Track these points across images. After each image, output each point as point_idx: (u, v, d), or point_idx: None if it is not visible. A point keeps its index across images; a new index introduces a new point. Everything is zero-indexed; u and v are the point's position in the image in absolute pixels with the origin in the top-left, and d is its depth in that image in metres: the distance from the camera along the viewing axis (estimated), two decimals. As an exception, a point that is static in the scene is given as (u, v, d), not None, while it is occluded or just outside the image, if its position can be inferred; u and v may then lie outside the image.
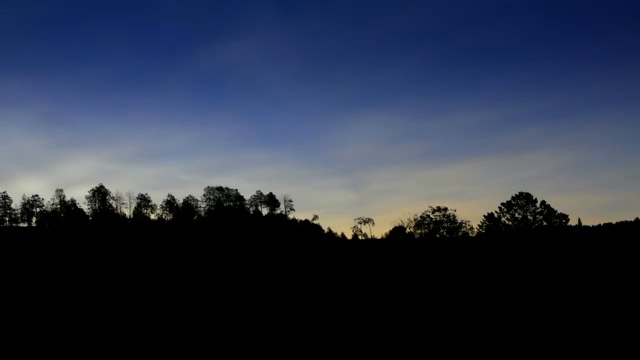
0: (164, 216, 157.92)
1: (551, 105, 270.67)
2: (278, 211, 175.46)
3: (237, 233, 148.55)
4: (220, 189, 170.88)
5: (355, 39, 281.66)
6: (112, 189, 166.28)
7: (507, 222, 71.92)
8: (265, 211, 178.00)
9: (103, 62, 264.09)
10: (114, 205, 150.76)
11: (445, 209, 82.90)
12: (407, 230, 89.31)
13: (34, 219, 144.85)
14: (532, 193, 71.76)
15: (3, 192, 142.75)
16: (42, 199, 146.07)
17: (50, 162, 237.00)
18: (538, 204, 71.22)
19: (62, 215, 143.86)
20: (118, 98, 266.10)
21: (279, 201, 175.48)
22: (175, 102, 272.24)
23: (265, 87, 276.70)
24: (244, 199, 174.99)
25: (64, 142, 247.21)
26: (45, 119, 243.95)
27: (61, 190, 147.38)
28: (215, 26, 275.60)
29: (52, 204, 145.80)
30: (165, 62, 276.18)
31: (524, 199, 71.37)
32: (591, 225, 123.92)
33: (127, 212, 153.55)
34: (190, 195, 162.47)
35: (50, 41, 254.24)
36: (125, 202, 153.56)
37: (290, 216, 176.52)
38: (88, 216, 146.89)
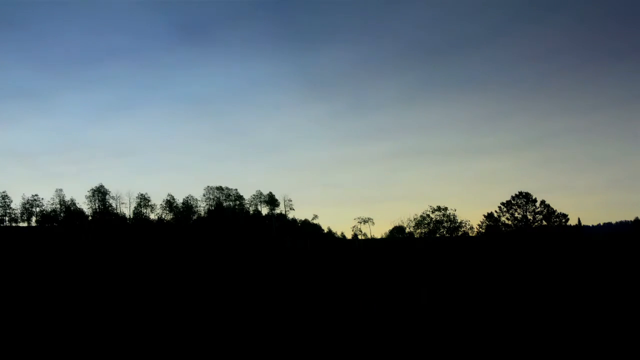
0: (163, 216, 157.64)
1: (551, 104, 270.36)
2: (278, 211, 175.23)
3: (236, 233, 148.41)
4: (220, 188, 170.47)
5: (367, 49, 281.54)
6: (112, 188, 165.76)
7: (506, 221, 71.82)
8: (265, 210, 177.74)
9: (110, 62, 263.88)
10: (113, 204, 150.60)
11: (445, 209, 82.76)
12: (407, 229, 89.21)
13: (33, 219, 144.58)
14: (531, 192, 71.77)
15: (3, 192, 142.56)
16: (42, 199, 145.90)
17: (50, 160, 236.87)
18: (538, 204, 71.16)
19: (61, 215, 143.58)
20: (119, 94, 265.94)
21: (279, 201, 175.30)
22: (175, 99, 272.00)
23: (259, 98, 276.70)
24: (243, 199, 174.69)
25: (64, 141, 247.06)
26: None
27: (61, 190, 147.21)
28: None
29: (52, 204, 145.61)
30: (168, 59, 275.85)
31: (523, 199, 71.27)
32: (591, 225, 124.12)
33: (127, 211, 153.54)
34: (190, 195, 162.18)
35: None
36: (125, 201, 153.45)
37: (290, 215, 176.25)
38: (88, 216, 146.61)
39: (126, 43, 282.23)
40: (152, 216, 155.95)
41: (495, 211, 73.58)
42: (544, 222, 70.31)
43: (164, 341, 13.28)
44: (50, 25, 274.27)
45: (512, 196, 72.43)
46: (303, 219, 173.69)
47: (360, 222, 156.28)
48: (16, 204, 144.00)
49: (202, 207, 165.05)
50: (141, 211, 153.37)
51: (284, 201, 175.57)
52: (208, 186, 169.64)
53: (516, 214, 71.66)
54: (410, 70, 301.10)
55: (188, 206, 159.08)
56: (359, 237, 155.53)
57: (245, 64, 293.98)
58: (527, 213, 71.53)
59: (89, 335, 14.21)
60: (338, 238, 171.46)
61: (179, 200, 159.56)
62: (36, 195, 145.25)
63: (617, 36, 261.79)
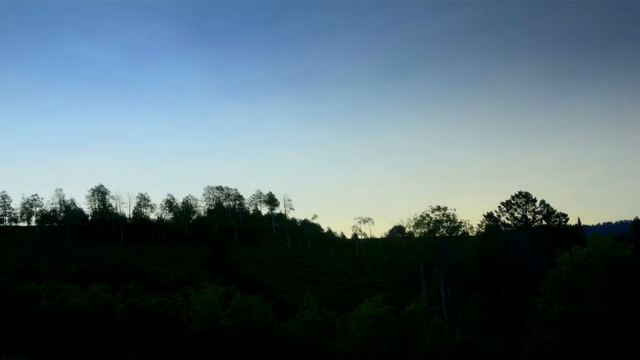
0: (163, 215, 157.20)
1: (550, 103, 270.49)
2: (278, 210, 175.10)
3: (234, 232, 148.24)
4: (220, 188, 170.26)
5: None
6: (112, 188, 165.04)
7: (506, 221, 71.46)
8: (265, 210, 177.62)
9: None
10: (113, 204, 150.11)
11: (445, 208, 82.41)
12: (407, 229, 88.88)
13: (33, 219, 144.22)
14: (531, 192, 71.41)
15: (3, 192, 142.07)
16: (42, 199, 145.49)
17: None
18: (537, 203, 70.89)
19: (61, 214, 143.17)
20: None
21: (279, 200, 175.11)
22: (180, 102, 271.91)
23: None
24: (243, 199, 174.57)
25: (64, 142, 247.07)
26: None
27: (60, 190, 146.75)
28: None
29: (52, 204, 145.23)
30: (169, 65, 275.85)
31: (523, 198, 70.96)
32: (591, 225, 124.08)
33: (127, 211, 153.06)
34: (189, 195, 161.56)
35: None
36: (124, 201, 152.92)
37: (290, 215, 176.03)
38: (87, 216, 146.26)
39: (129, 49, 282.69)
40: (152, 216, 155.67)
41: (495, 211, 73.39)
42: (544, 222, 70.04)
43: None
44: (52, 29, 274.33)
45: (512, 196, 72.17)
46: (303, 218, 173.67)
47: (360, 222, 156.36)
48: (16, 204, 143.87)
49: (202, 206, 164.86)
50: (141, 211, 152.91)
51: (284, 201, 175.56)
52: (208, 186, 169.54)
53: (516, 214, 71.45)
54: (414, 73, 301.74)
55: (188, 206, 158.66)
56: (359, 237, 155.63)
57: (246, 67, 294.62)
58: (527, 213, 71.32)
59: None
60: (338, 238, 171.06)
61: (179, 200, 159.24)
62: (36, 195, 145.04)
63: (616, 37, 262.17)
